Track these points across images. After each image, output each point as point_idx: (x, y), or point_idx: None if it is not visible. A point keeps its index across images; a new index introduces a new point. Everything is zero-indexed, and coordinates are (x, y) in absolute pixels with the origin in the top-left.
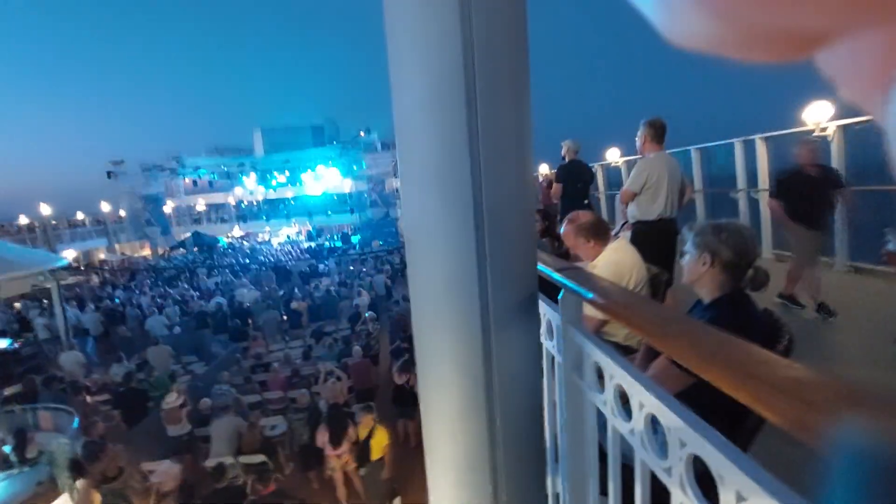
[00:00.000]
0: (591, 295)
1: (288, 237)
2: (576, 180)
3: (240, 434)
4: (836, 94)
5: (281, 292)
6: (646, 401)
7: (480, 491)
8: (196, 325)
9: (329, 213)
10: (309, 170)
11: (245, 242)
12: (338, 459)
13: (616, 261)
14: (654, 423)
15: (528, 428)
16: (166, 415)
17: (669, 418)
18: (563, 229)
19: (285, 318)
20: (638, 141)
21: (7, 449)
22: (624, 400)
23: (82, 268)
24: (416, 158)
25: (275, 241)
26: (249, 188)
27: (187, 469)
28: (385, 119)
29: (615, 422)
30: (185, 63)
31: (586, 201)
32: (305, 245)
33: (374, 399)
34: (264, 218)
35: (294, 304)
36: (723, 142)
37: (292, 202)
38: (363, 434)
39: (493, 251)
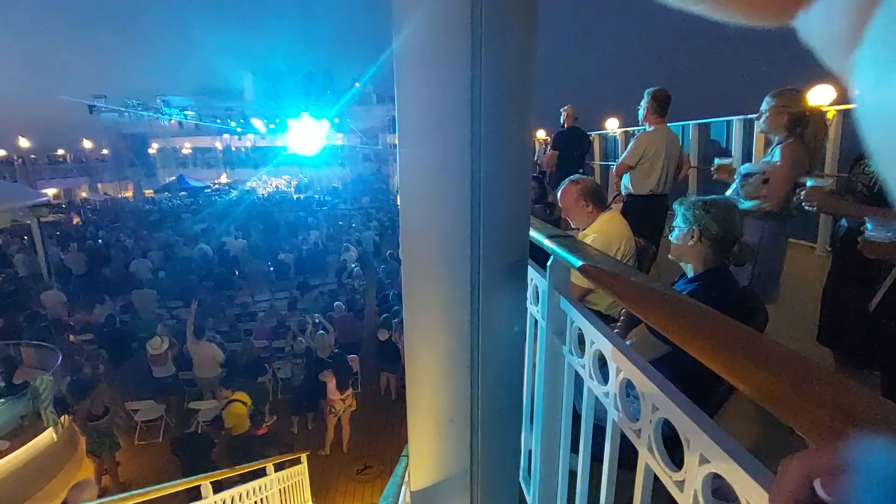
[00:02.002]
0: (580, 263)
1: (277, 187)
2: (573, 148)
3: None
4: (821, 63)
5: (268, 243)
6: (623, 366)
7: (458, 444)
8: (181, 270)
9: (319, 165)
10: (300, 119)
11: (232, 190)
12: (342, 403)
13: (607, 231)
14: (628, 387)
15: (509, 387)
16: (152, 357)
17: (644, 384)
18: (563, 189)
19: (272, 268)
20: (641, 111)
21: None
22: (601, 365)
23: (64, 205)
24: (416, 115)
25: (263, 191)
26: (237, 133)
27: (171, 409)
28: (381, 71)
29: (592, 384)
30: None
31: (581, 171)
32: (294, 196)
33: (359, 352)
34: (252, 165)
35: (281, 256)
36: (721, 119)
37: (282, 151)
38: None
39: (487, 214)
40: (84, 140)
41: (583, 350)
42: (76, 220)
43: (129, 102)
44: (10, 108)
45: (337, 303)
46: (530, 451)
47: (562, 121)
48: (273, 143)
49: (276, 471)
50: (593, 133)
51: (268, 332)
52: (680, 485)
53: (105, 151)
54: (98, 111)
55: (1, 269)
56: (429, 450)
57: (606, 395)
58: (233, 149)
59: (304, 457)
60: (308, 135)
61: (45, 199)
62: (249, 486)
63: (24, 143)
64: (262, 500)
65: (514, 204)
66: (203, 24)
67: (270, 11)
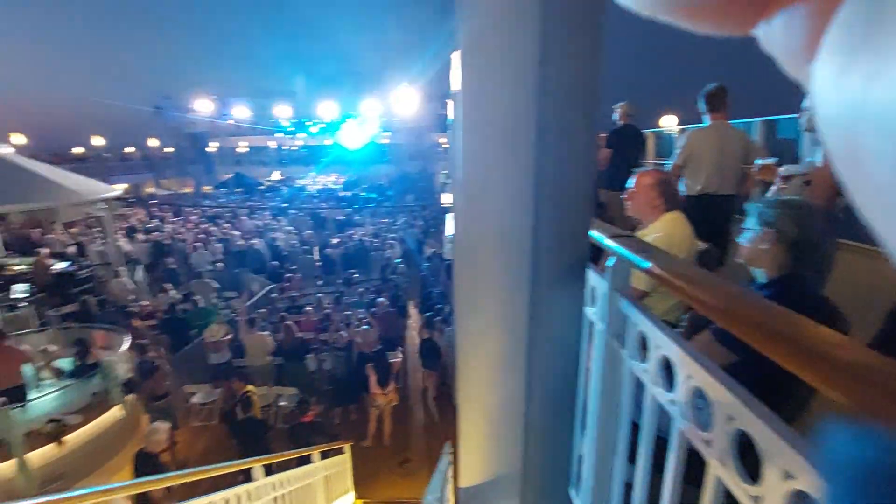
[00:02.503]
0: (647, 264)
1: (325, 185)
2: (627, 147)
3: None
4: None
5: (316, 238)
6: (694, 373)
7: (511, 443)
8: (236, 263)
9: (366, 163)
10: (349, 118)
11: (284, 187)
12: (384, 397)
13: (670, 232)
14: (696, 395)
15: (564, 389)
16: (209, 343)
17: (718, 392)
18: (641, 174)
19: (319, 263)
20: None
21: (63, 362)
22: (665, 370)
23: (132, 199)
24: (479, 111)
25: (312, 188)
26: (289, 133)
27: (225, 394)
28: (430, 70)
29: (656, 391)
30: (230, 6)
31: (635, 170)
32: (341, 194)
33: (400, 348)
34: (303, 163)
35: (328, 251)
36: (791, 115)
37: (330, 150)
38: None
39: (550, 212)
40: (150, 138)
41: (645, 355)
42: (142, 213)
43: (191, 104)
44: (87, 109)
45: (380, 299)
46: (580, 457)
47: (615, 118)
48: (322, 143)
49: (321, 458)
50: (646, 131)
51: (314, 324)
52: (757, 500)
53: (169, 149)
54: (163, 111)
55: (77, 257)
56: (479, 448)
57: (672, 402)
58: (284, 148)
59: (347, 447)
60: (356, 134)
61: (116, 193)
62: (297, 471)
63: (98, 141)
64: (308, 485)
65: (577, 202)
66: (260, 31)
67: (323, 13)
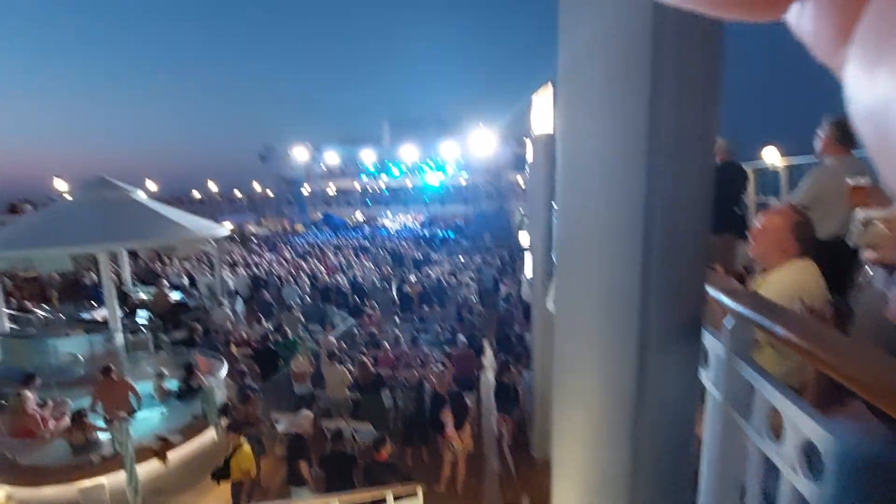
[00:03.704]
0: (779, 330)
1: (404, 224)
2: (728, 186)
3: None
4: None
5: (395, 276)
6: None
7: None
8: (322, 297)
9: (444, 203)
10: (429, 160)
11: (366, 226)
12: (461, 442)
13: (796, 283)
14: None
15: (675, 459)
16: (295, 374)
17: None
18: (775, 211)
19: (397, 300)
20: (818, 143)
21: (171, 384)
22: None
23: (236, 238)
24: (584, 152)
25: (392, 227)
26: (374, 176)
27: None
28: (508, 112)
29: (796, 480)
30: (323, 61)
31: (737, 209)
32: (419, 232)
33: (475, 390)
34: (385, 203)
35: (406, 289)
36: None
37: (411, 191)
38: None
39: (662, 263)
40: (254, 182)
41: (776, 432)
42: (244, 250)
43: (290, 153)
44: (204, 158)
45: (460, 338)
46: None
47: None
48: (403, 184)
49: (394, 500)
50: (748, 166)
51: (391, 361)
52: None
53: (269, 192)
54: (266, 159)
55: (189, 288)
56: None
57: (818, 495)
58: (369, 190)
59: (420, 490)
60: (435, 175)
61: (225, 232)
62: None
63: (212, 186)
64: None
65: (691, 252)
66: (352, 84)
67: (411, 64)
